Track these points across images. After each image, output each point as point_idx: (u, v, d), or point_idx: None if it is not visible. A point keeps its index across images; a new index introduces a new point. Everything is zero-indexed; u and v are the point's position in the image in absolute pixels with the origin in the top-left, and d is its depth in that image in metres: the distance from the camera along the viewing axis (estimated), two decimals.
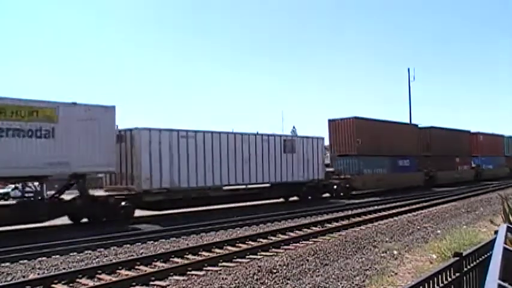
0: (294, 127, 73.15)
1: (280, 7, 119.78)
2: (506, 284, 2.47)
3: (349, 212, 17.40)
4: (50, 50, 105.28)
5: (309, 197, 24.02)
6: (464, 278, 4.13)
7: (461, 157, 38.63)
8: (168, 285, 7.36)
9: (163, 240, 11.97)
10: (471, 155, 40.88)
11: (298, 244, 10.83)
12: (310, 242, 10.98)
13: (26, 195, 15.48)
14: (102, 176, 18.65)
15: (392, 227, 12.62)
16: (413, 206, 19.02)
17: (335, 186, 25.86)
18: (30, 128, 13.70)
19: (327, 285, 6.87)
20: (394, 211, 17.27)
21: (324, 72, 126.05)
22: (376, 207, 19.12)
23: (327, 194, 25.84)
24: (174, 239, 12.16)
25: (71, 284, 7.71)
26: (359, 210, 17.89)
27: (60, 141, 14.32)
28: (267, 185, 22.36)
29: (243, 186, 21.34)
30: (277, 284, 6.99)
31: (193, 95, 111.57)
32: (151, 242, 11.72)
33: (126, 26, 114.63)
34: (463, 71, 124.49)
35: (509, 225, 4.68)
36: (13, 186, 32.12)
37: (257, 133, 22.26)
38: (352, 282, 6.92)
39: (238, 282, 6.97)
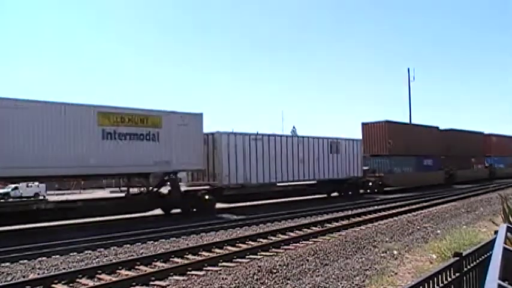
0: (294, 127, 73.29)
1: (280, 7, 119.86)
2: (506, 284, 2.47)
3: (349, 212, 17.39)
4: (49, 50, 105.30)
5: (349, 193, 26.64)
6: (464, 278, 4.13)
7: (476, 157, 41.88)
8: (168, 285, 7.36)
9: (163, 240, 11.96)
10: (485, 155, 44.15)
11: (298, 244, 10.83)
12: (310, 242, 10.98)
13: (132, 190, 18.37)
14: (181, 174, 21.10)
15: (392, 227, 12.62)
16: (413, 206, 19.01)
17: (370, 183, 28.59)
18: (141, 133, 16.47)
19: (327, 285, 6.87)
20: (394, 211, 17.26)
21: (323, 72, 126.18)
22: (376, 207, 19.11)
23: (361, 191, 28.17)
24: (174, 239, 12.16)
25: (71, 284, 7.70)
26: (359, 210, 17.88)
27: (163, 144, 17.04)
28: (313, 182, 24.84)
29: (293, 183, 24.07)
30: (277, 284, 6.99)
31: (193, 95, 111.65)
32: (151, 242, 11.71)
33: (126, 26, 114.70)
34: (463, 71, 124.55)
35: (509, 225, 4.68)
36: (13, 186, 32.30)
37: (310, 136, 25.07)
38: (352, 282, 6.92)
39: (238, 282, 6.97)
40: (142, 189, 18.23)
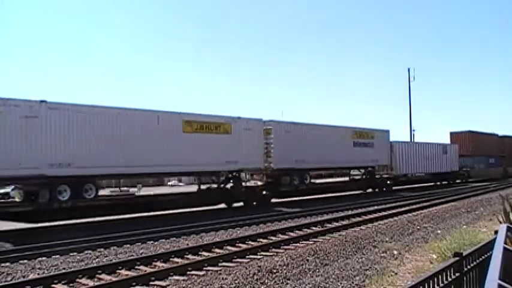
0: None
1: (281, 7, 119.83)
2: (506, 284, 2.47)
3: (349, 212, 17.39)
4: (49, 50, 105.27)
5: (450, 182, 38.22)
6: (464, 278, 4.13)
7: None
8: (168, 285, 7.36)
9: (163, 240, 11.96)
10: None
11: (298, 244, 10.82)
12: (310, 242, 10.97)
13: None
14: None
15: (392, 227, 12.62)
16: (413, 206, 18.99)
17: (460, 175, 40.50)
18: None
19: (327, 285, 6.87)
20: (394, 211, 17.25)
21: (323, 72, 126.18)
22: (376, 207, 19.11)
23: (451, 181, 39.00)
24: (174, 239, 12.15)
25: (71, 284, 7.70)
26: (359, 210, 17.88)
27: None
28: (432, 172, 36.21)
29: (422, 174, 35.31)
30: (277, 284, 6.99)
31: (193, 95, 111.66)
32: (151, 242, 11.71)
33: (125, 26, 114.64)
34: (463, 71, 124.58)
35: (509, 225, 4.68)
36: (13, 186, 32.32)
37: (434, 143, 37.09)
38: (352, 282, 6.91)
39: (238, 282, 6.97)
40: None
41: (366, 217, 15.62)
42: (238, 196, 20.88)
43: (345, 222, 14.58)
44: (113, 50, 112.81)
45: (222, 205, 20.76)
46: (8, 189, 33.02)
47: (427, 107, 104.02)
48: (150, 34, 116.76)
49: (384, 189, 29.89)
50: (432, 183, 35.78)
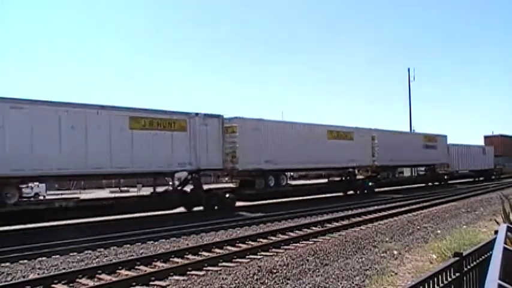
0: None
1: (281, 6, 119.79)
2: (506, 284, 2.47)
3: (349, 212, 17.39)
4: (49, 49, 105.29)
5: (486, 177, 43.95)
6: (464, 278, 4.13)
7: None
8: (168, 285, 7.36)
9: (163, 240, 11.96)
10: None
11: (298, 244, 10.82)
12: (310, 242, 10.97)
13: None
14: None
15: (392, 227, 12.62)
16: (413, 206, 18.98)
17: (495, 172, 47.14)
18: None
19: (327, 285, 6.87)
20: (394, 211, 17.24)
21: (323, 72, 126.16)
22: (376, 207, 19.11)
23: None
24: (174, 239, 12.15)
25: (71, 284, 7.70)
26: (359, 210, 17.87)
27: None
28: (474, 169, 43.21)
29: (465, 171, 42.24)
30: (277, 284, 6.99)
31: (193, 95, 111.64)
32: (151, 242, 11.71)
33: (124, 25, 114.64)
34: (463, 71, 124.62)
35: (509, 225, 4.68)
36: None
37: (477, 145, 45.20)
38: (352, 282, 6.92)
39: (238, 282, 6.97)
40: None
41: (366, 217, 15.61)
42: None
43: (345, 222, 14.57)
44: (112, 50, 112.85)
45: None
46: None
47: (427, 107, 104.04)
48: (150, 34, 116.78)
49: (442, 182, 37.12)
50: (472, 179, 43.56)
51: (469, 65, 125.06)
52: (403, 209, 18.17)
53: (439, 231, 11.73)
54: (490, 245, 4.37)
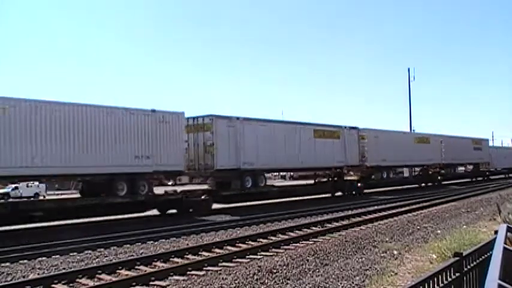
0: None
1: (281, 5, 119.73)
2: (506, 284, 2.47)
3: (349, 212, 17.39)
4: (50, 49, 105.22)
5: None
6: (464, 278, 4.13)
7: None
8: (168, 285, 7.36)
9: (163, 240, 11.95)
10: None
11: (298, 244, 10.82)
12: (310, 242, 10.97)
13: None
14: None
15: (392, 227, 12.62)
16: (413, 206, 18.98)
17: None
18: None
19: (327, 285, 6.87)
20: (394, 211, 17.24)
21: (323, 72, 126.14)
22: (376, 207, 19.11)
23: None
24: (174, 239, 12.15)
25: (71, 284, 7.69)
26: (359, 210, 17.88)
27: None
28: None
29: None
30: (277, 284, 6.99)
31: (193, 95, 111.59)
32: (151, 242, 11.70)
33: (124, 25, 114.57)
34: (463, 70, 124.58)
35: (509, 225, 4.68)
36: (13, 186, 32.34)
37: (509, 147, 58.80)
38: (352, 282, 6.91)
39: (238, 282, 6.97)
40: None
41: (366, 217, 15.61)
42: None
43: (345, 222, 14.57)
44: (112, 50, 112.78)
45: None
46: (8, 189, 33.13)
47: (427, 107, 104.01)
48: (149, 34, 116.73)
49: (485, 178, 45.05)
50: (503, 175, 50.45)
51: (469, 64, 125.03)
52: (403, 209, 18.17)
53: (439, 231, 11.73)
54: (490, 245, 4.37)
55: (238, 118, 20.58)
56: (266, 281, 7.10)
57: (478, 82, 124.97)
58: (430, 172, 36.54)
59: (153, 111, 17.36)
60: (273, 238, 11.71)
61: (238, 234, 12.48)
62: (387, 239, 10.68)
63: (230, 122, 20.18)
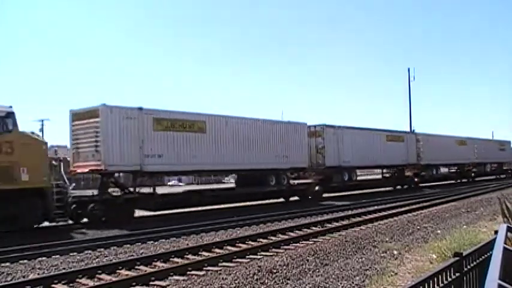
0: None
1: (280, 7, 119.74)
2: (506, 284, 2.47)
3: (349, 212, 17.39)
4: (52, 48, 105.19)
5: None
6: (464, 278, 4.13)
7: None
8: (168, 285, 7.36)
9: (163, 240, 11.96)
10: None
11: (298, 244, 10.82)
12: (310, 242, 10.97)
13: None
14: None
15: (392, 227, 12.62)
16: (413, 206, 18.97)
17: None
18: None
19: (327, 285, 6.87)
20: (394, 211, 17.24)
21: (323, 72, 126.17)
22: (376, 207, 19.11)
23: None
24: (174, 239, 12.15)
25: (71, 284, 7.69)
26: (359, 210, 17.88)
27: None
28: None
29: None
30: (277, 284, 6.99)
31: (192, 95, 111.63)
32: (151, 242, 11.70)
33: (125, 25, 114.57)
34: (464, 70, 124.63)
35: (509, 225, 4.68)
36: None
37: None
38: (352, 282, 6.91)
39: (238, 282, 6.97)
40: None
41: (366, 217, 15.61)
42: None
43: (345, 222, 14.57)
44: (111, 49, 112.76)
45: None
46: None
47: (426, 106, 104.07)
48: (149, 33, 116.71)
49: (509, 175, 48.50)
50: None
51: (470, 64, 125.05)
52: (403, 209, 18.17)
53: (439, 231, 11.73)
54: (490, 245, 4.37)
55: (340, 127, 26.50)
56: (266, 281, 7.10)
57: (478, 82, 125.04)
58: (465, 169, 41.98)
59: (289, 122, 23.48)
60: (273, 238, 11.71)
61: (238, 234, 12.48)
62: (387, 239, 10.68)
63: (334, 130, 25.88)
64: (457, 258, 4.05)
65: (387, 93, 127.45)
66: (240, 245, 10.82)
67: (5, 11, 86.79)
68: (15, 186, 12.70)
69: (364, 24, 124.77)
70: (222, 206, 20.41)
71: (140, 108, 16.85)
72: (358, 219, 15.19)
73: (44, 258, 9.79)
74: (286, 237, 11.70)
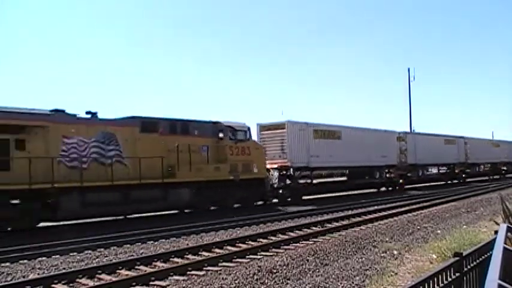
0: None
1: (280, 6, 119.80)
2: (506, 284, 2.47)
3: (349, 212, 17.40)
4: (53, 49, 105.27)
5: None
6: (464, 278, 4.13)
7: None
8: (168, 285, 7.36)
9: (163, 240, 11.96)
10: None
11: (298, 244, 10.82)
12: (310, 242, 10.97)
13: None
14: None
15: (392, 227, 12.62)
16: (413, 206, 18.98)
17: None
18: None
19: (327, 285, 6.87)
20: (394, 211, 17.24)
21: (323, 72, 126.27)
22: (376, 207, 19.12)
23: None
24: (174, 239, 12.16)
25: (71, 284, 7.70)
26: (359, 210, 17.88)
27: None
28: None
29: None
30: (277, 284, 6.99)
31: (192, 94, 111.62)
32: (151, 242, 11.71)
33: (125, 25, 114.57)
34: (464, 70, 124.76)
35: (509, 225, 4.68)
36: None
37: None
38: (352, 282, 6.91)
39: (238, 282, 6.97)
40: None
41: (366, 217, 15.61)
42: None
43: (345, 222, 14.57)
44: (111, 49, 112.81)
45: None
46: None
47: (426, 106, 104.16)
48: (149, 33, 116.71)
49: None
50: None
51: (470, 64, 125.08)
52: (403, 209, 18.17)
53: (439, 231, 11.73)
54: (490, 245, 4.37)
55: (416, 133, 37.43)
56: (266, 281, 7.11)
57: (478, 82, 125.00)
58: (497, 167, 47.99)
59: (386, 131, 30.86)
60: (273, 238, 11.72)
61: (238, 234, 12.48)
62: (387, 239, 10.68)
63: (411, 135, 34.62)
64: (457, 258, 4.06)
65: (387, 93, 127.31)
66: (240, 245, 10.82)
67: (5, 11, 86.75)
68: (251, 176, 19.64)
69: (364, 24, 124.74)
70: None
71: (306, 123, 24.00)
72: (358, 219, 15.20)
73: (44, 258, 9.80)
74: (286, 237, 11.70)
